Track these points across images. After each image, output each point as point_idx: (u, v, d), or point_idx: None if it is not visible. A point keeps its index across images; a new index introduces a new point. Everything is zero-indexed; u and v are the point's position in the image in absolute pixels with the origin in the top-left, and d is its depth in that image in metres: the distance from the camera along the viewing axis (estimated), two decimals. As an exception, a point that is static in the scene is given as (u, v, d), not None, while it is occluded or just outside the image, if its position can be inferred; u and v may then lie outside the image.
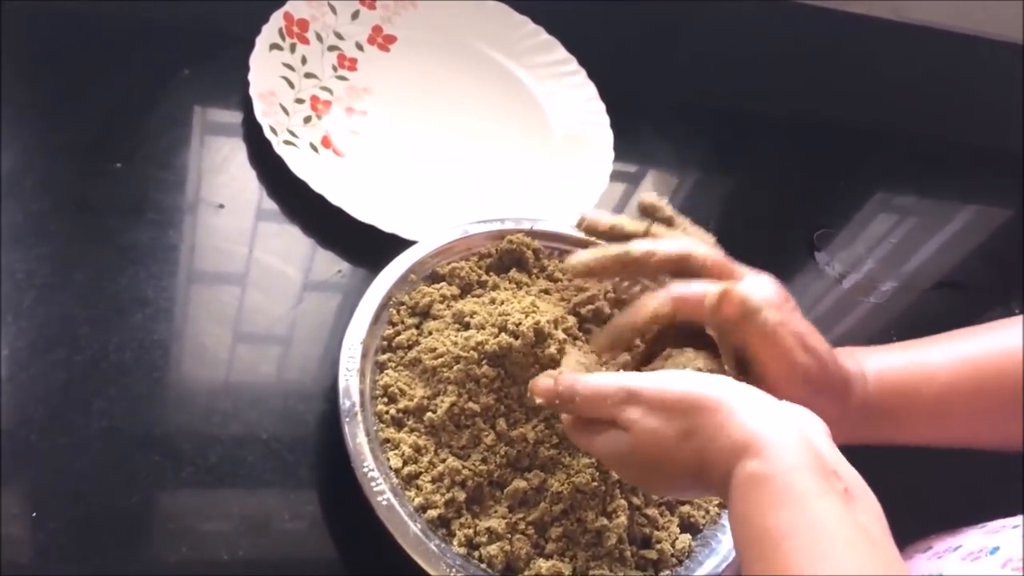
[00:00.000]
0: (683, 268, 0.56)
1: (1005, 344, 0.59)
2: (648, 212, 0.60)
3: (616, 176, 0.85)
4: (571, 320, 0.65)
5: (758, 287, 0.55)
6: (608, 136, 0.85)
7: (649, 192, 0.61)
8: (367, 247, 0.71)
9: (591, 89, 0.88)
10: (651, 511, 0.62)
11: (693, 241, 0.58)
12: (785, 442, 0.44)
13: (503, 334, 0.60)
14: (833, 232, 0.93)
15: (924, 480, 0.73)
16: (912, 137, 1.09)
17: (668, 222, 0.60)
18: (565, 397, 0.53)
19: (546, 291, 0.69)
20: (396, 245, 0.69)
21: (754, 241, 0.90)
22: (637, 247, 0.57)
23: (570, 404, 0.53)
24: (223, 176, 0.73)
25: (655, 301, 0.55)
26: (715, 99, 1.02)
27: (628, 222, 0.59)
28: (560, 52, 0.90)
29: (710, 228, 0.60)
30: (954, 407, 0.60)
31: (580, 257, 0.58)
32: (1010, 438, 0.59)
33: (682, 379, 0.49)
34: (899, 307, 0.90)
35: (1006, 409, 0.58)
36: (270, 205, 0.73)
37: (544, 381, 0.55)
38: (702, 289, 0.54)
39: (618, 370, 0.59)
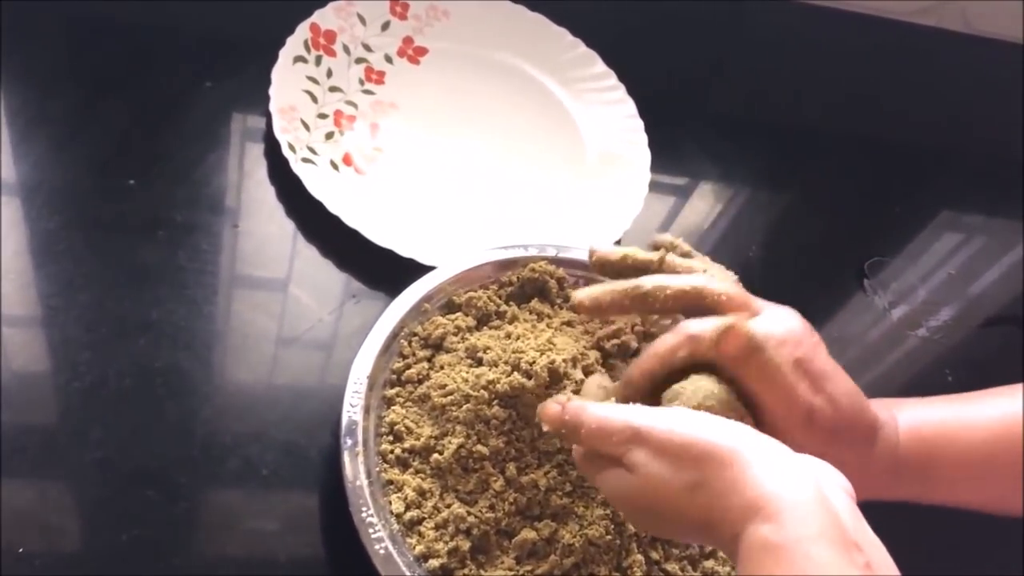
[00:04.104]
0: (697, 303, 0.52)
1: None
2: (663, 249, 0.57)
3: (660, 194, 0.81)
4: (592, 356, 0.62)
5: (773, 322, 0.51)
6: (646, 156, 0.81)
7: (663, 233, 0.58)
8: (385, 271, 0.68)
9: (630, 106, 0.84)
10: (671, 566, 0.58)
11: (708, 276, 0.54)
12: (803, 507, 0.40)
13: (516, 373, 0.57)
14: (886, 261, 0.87)
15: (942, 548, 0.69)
16: (979, 157, 1.03)
17: (685, 257, 0.56)
18: (571, 426, 0.49)
19: (569, 323, 0.65)
20: (415, 270, 0.66)
21: (801, 267, 0.86)
22: (648, 281, 0.53)
23: (575, 435, 0.49)
24: (240, 194, 0.71)
25: (668, 342, 0.51)
26: (764, 115, 0.97)
27: (641, 252, 0.56)
28: (599, 66, 0.86)
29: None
30: (993, 468, 0.55)
31: (589, 292, 0.54)
32: None
33: (693, 423, 0.45)
34: (951, 343, 0.84)
35: None
36: (287, 225, 0.71)
37: (552, 406, 0.50)
38: (715, 325, 0.50)
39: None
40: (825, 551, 0.39)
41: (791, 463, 0.42)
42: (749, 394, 0.50)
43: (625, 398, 0.53)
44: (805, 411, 0.50)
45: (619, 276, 0.55)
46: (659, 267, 0.55)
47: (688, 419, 0.45)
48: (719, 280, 0.53)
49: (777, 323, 0.51)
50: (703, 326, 0.50)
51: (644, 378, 0.52)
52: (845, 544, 0.39)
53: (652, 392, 0.53)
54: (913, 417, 0.55)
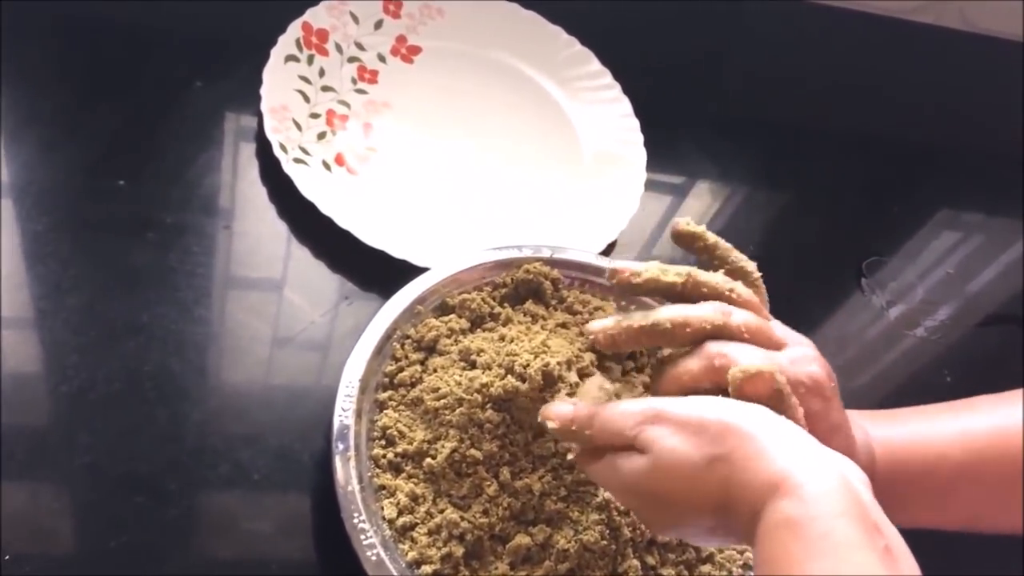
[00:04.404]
0: (719, 337, 0.50)
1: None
2: (684, 241, 0.55)
3: (657, 193, 0.80)
4: (587, 358, 0.61)
5: (798, 365, 0.50)
6: (641, 155, 0.80)
7: (684, 218, 0.55)
8: (378, 273, 0.67)
9: (625, 104, 0.83)
10: (667, 572, 0.57)
11: (724, 306, 0.51)
12: (825, 485, 0.40)
13: (509, 376, 0.56)
14: (884, 260, 0.87)
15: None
16: (977, 155, 1.02)
17: (710, 251, 0.55)
18: (582, 422, 0.48)
19: (564, 325, 0.64)
20: (408, 272, 0.65)
21: (799, 267, 0.85)
22: (668, 317, 0.50)
23: (586, 430, 0.48)
24: (231, 195, 0.70)
25: (692, 371, 0.50)
26: (761, 113, 0.96)
27: (664, 273, 0.53)
28: (594, 64, 0.85)
29: (750, 252, 0.55)
30: (967, 489, 0.55)
31: (604, 326, 0.53)
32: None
33: (717, 403, 0.45)
34: (949, 343, 0.84)
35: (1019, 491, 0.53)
36: (279, 226, 0.70)
37: (562, 407, 0.50)
38: (741, 357, 0.48)
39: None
40: (847, 529, 0.38)
41: (813, 444, 0.42)
42: None
43: None
44: None
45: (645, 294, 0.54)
46: (683, 288, 0.52)
47: (711, 400, 0.45)
48: (740, 289, 0.52)
49: (801, 366, 0.50)
50: (728, 360, 0.49)
51: None
52: (866, 524, 0.39)
53: None
54: (887, 439, 0.55)
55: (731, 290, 0.52)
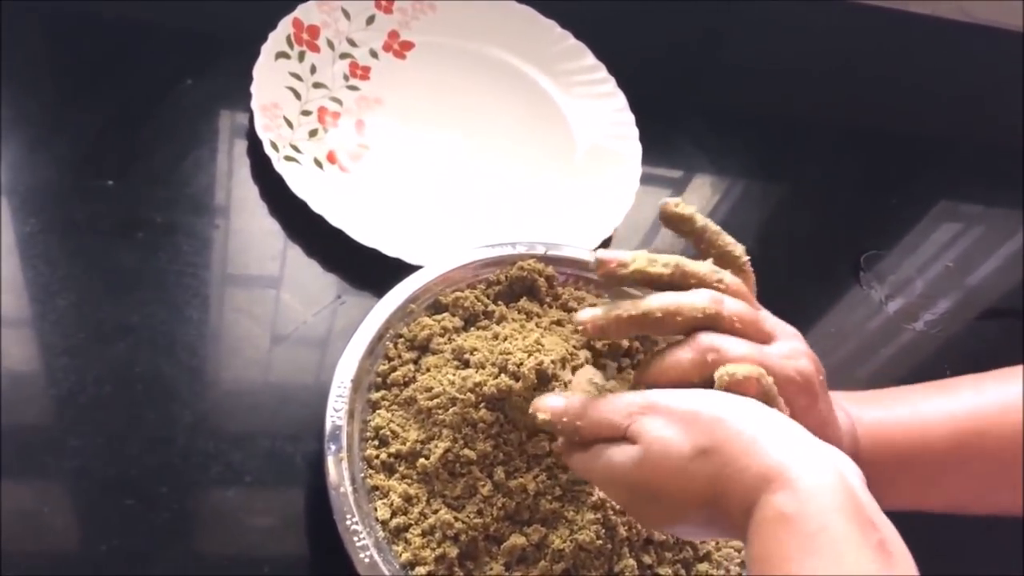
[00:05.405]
0: (711, 326, 0.50)
1: (1010, 397, 0.53)
2: (672, 223, 0.53)
3: (653, 188, 0.80)
4: (583, 356, 0.60)
5: (786, 360, 0.49)
6: (637, 150, 0.79)
7: (674, 199, 0.53)
8: (371, 271, 0.67)
9: (620, 99, 0.82)
10: (664, 570, 0.57)
11: (716, 294, 0.50)
12: (820, 479, 0.39)
13: (503, 375, 0.55)
14: (883, 254, 0.86)
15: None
16: (976, 146, 1.01)
17: (698, 234, 0.53)
18: (574, 413, 0.47)
19: (558, 322, 0.63)
20: (401, 270, 0.64)
21: (796, 261, 0.85)
22: (659, 306, 0.49)
23: (578, 421, 0.47)
24: (222, 193, 0.69)
25: (683, 363, 0.49)
26: (757, 107, 0.95)
27: (651, 264, 0.51)
28: (589, 58, 0.84)
29: (747, 247, 0.54)
30: (953, 470, 0.55)
31: (593, 315, 0.51)
32: (1014, 503, 0.53)
33: (712, 396, 0.44)
34: (949, 336, 0.83)
35: (1011, 471, 0.52)
36: (271, 225, 0.69)
37: (554, 399, 0.49)
38: (733, 352, 0.48)
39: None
40: (842, 524, 0.38)
41: (807, 438, 0.42)
42: None
43: None
44: None
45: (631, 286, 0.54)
46: (670, 279, 0.51)
47: (706, 393, 0.45)
48: (729, 279, 0.51)
49: (791, 361, 0.50)
50: (719, 356, 0.48)
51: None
52: (861, 519, 0.38)
53: None
54: (872, 420, 0.55)
55: (719, 280, 0.51)
